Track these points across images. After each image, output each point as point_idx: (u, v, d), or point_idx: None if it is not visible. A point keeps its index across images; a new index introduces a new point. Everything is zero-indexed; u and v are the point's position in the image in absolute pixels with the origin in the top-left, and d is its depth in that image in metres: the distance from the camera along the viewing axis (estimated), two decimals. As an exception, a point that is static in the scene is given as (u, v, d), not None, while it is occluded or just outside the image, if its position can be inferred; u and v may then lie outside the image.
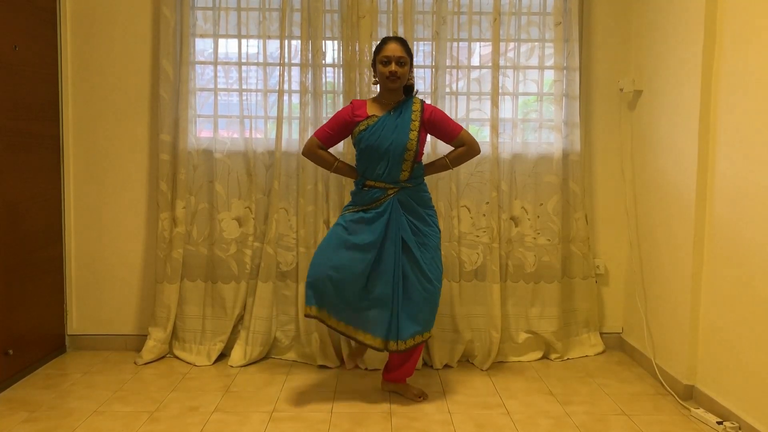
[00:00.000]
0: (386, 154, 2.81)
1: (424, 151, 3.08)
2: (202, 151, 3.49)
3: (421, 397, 2.97)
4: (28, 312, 3.26)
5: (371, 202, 2.85)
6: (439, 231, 2.96)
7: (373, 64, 2.90)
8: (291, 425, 2.70)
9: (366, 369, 3.34)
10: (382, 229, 2.81)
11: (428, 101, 3.46)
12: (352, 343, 3.13)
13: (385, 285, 2.80)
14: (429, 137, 3.07)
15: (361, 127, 2.84)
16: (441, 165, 3.02)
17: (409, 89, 2.93)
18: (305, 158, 3.10)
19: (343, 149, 3.37)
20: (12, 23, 3.10)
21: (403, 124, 2.83)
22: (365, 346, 2.89)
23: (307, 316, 2.82)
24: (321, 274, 2.78)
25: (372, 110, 2.89)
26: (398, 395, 3.00)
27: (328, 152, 2.98)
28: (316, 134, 2.94)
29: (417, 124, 2.84)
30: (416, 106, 2.88)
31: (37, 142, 3.32)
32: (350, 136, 2.94)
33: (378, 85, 2.92)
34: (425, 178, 2.98)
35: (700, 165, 2.86)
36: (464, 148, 2.96)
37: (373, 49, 2.95)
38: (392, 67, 2.81)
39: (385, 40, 2.87)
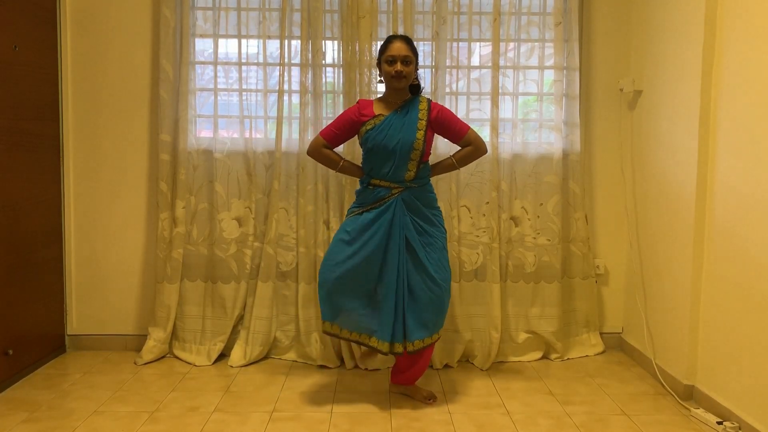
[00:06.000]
0: (393, 154, 2.79)
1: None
2: (202, 151, 3.49)
3: (430, 399, 2.94)
4: (28, 312, 3.26)
5: (375, 200, 2.84)
6: (445, 231, 2.94)
7: (378, 64, 2.88)
8: (291, 425, 2.71)
9: (366, 369, 3.34)
10: (385, 231, 2.79)
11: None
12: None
13: (389, 287, 2.78)
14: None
15: (368, 127, 2.83)
16: (448, 165, 2.99)
17: (415, 88, 2.92)
18: (309, 158, 3.07)
19: (343, 149, 3.37)
20: (12, 23, 3.09)
21: (410, 123, 2.81)
22: (375, 351, 2.86)
23: (325, 332, 2.86)
24: (330, 287, 2.78)
25: (378, 110, 2.87)
26: (407, 397, 2.98)
27: (334, 151, 2.97)
28: (322, 134, 2.93)
29: (424, 123, 2.82)
30: (423, 105, 2.86)
31: (37, 142, 3.32)
32: (356, 136, 2.93)
33: (384, 85, 2.89)
34: (431, 178, 2.96)
35: (700, 165, 2.86)
36: (471, 147, 2.93)
37: (378, 47, 2.92)
38: (398, 66, 2.78)
39: (390, 39, 2.84)
